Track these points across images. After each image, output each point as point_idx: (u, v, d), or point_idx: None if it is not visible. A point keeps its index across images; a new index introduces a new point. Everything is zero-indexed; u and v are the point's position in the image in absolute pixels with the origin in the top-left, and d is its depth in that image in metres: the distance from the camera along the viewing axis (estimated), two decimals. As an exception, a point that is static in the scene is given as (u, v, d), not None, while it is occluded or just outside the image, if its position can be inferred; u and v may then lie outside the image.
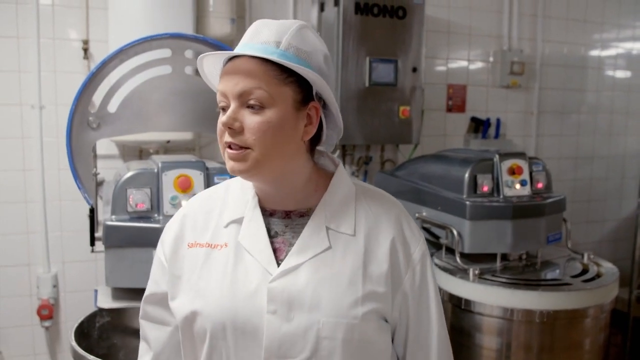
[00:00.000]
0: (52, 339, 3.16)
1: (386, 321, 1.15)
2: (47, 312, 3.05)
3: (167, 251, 1.22)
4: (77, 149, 2.30)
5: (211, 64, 1.15)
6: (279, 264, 1.11)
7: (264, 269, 1.11)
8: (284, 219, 1.17)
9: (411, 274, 1.15)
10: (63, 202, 3.11)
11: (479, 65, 3.93)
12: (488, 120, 3.84)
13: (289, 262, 1.11)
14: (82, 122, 2.29)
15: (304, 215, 1.16)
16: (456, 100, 3.81)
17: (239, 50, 1.09)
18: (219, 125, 1.09)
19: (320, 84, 1.10)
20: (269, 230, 1.15)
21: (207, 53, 1.12)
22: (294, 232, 1.15)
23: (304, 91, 1.09)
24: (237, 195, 1.21)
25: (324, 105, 1.15)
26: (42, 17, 2.98)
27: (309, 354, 1.08)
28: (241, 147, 1.06)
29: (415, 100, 3.30)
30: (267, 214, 1.18)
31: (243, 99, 1.06)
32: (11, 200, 3.05)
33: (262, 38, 1.08)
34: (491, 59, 3.94)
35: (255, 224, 1.15)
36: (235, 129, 1.06)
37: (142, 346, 1.30)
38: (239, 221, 1.17)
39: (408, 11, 3.22)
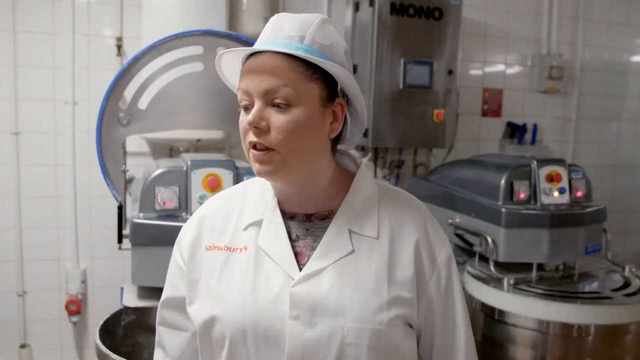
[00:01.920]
0: (79, 333, 3.19)
1: (411, 327, 1.12)
2: (75, 307, 3.08)
3: (185, 254, 1.18)
4: (106, 145, 2.31)
5: (229, 62, 1.11)
6: (300, 269, 1.08)
7: (286, 274, 1.07)
8: (304, 222, 1.13)
9: (436, 278, 1.12)
10: (93, 198, 3.13)
11: (516, 69, 3.85)
12: (524, 125, 3.75)
13: (311, 266, 1.07)
14: (112, 118, 2.30)
15: (326, 218, 1.13)
16: (492, 105, 3.73)
17: (260, 46, 1.04)
18: (242, 125, 1.05)
19: (346, 79, 1.06)
20: (289, 234, 1.12)
21: (226, 50, 1.07)
22: (316, 236, 1.11)
23: (329, 87, 1.06)
24: (257, 197, 1.17)
25: (348, 101, 1.12)
26: (77, 13, 3.02)
27: None
28: (267, 148, 1.02)
29: (450, 104, 3.23)
30: (287, 216, 1.14)
31: (268, 98, 1.02)
32: (42, 195, 3.08)
33: (284, 33, 1.04)
34: (529, 62, 3.85)
35: (275, 226, 1.12)
36: (261, 129, 1.02)
37: (158, 353, 1.26)
38: (258, 224, 1.13)
39: (444, 12, 3.15)
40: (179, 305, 1.20)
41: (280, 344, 1.05)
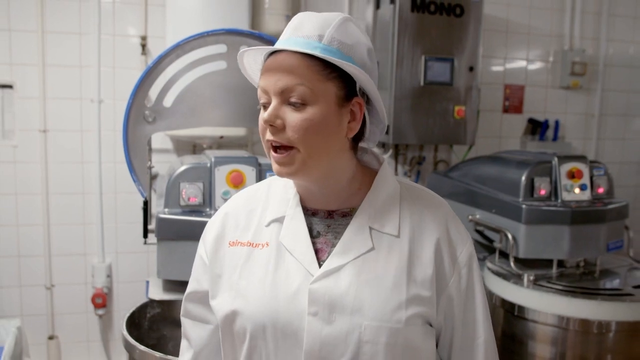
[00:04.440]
0: (104, 326, 3.27)
1: (431, 325, 1.12)
2: (101, 301, 3.15)
3: (209, 249, 1.21)
4: (132, 142, 2.35)
5: (251, 59, 1.12)
6: (320, 265, 1.09)
7: (306, 270, 1.08)
8: (326, 219, 1.14)
9: (457, 277, 1.11)
10: (118, 195, 3.20)
11: (538, 65, 3.83)
12: (546, 122, 3.73)
13: (331, 263, 1.08)
14: (138, 116, 2.34)
15: (347, 215, 1.13)
16: (513, 101, 3.72)
17: (280, 44, 1.06)
18: (260, 122, 1.07)
19: (363, 79, 1.06)
20: (310, 230, 1.13)
21: (247, 48, 1.09)
22: (337, 233, 1.12)
23: (347, 87, 1.06)
24: (280, 194, 1.19)
25: (367, 101, 1.12)
26: (103, 14, 3.08)
27: (350, 358, 1.05)
28: (286, 148, 1.04)
29: (471, 100, 3.23)
30: (309, 213, 1.15)
31: (284, 96, 1.03)
32: (69, 191, 3.16)
33: (304, 32, 1.05)
34: (551, 59, 3.83)
35: (297, 223, 1.13)
36: (276, 127, 1.03)
37: (184, 344, 1.30)
38: (280, 220, 1.15)
39: (466, 9, 3.16)
40: (202, 298, 1.22)
41: (299, 339, 1.06)
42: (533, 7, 3.70)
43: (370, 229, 1.10)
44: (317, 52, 1.02)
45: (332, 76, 1.04)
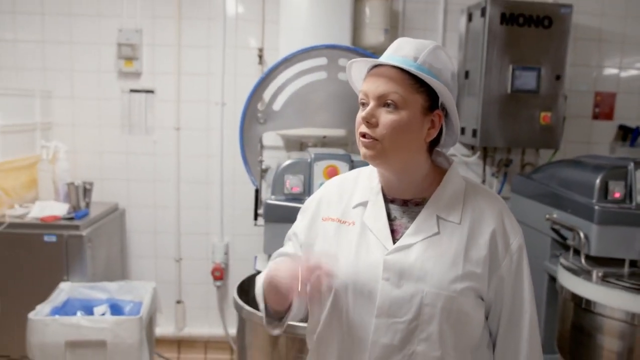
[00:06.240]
0: (221, 296, 3.76)
1: (482, 299, 1.30)
2: (219, 274, 3.64)
3: (305, 223, 1.46)
4: (247, 140, 2.78)
5: (357, 69, 1.35)
6: (394, 242, 1.30)
7: (383, 245, 1.30)
8: (401, 206, 1.35)
9: (509, 260, 1.30)
10: (236, 185, 3.65)
11: (631, 72, 3.84)
12: (638, 128, 3.73)
13: (403, 241, 1.29)
14: (252, 117, 2.76)
15: (419, 204, 1.34)
16: (603, 108, 3.77)
17: (383, 59, 1.29)
18: (358, 118, 1.29)
19: (446, 96, 1.28)
20: (388, 214, 1.34)
21: (357, 59, 1.32)
22: (410, 218, 1.33)
23: (431, 100, 1.28)
24: (365, 183, 1.41)
25: (446, 115, 1.33)
26: (227, 29, 3.55)
27: (412, 317, 1.26)
28: (373, 139, 1.26)
29: (558, 107, 3.37)
30: (388, 200, 1.36)
31: (381, 100, 1.25)
32: (196, 181, 3.67)
33: (403, 52, 1.27)
34: (646, 66, 3.83)
35: (378, 208, 1.35)
36: (371, 123, 1.25)
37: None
38: (364, 204, 1.37)
39: (554, 20, 3.29)
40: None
41: (373, 298, 1.28)
42: (629, 16, 3.73)
43: (438, 217, 1.30)
44: (411, 69, 1.24)
45: (420, 90, 1.26)
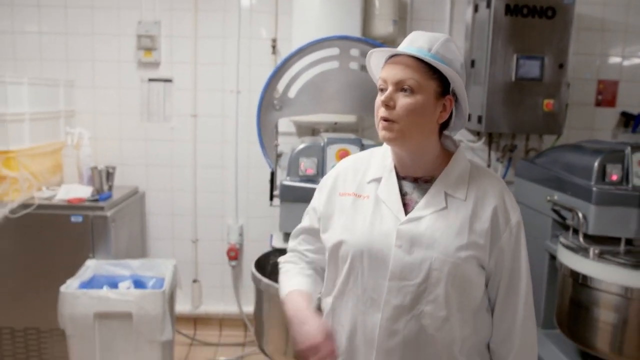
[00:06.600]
0: (236, 275, 3.91)
1: (483, 268, 1.43)
2: (234, 254, 3.80)
3: (324, 198, 1.58)
4: (264, 126, 2.90)
5: (376, 59, 1.47)
6: (406, 214, 1.43)
7: (395, 217, 1.42)
8: (412, 183, 1.47)
9: (508, 233, 1.42)
10: (250, 170, 3.79)
11: (634, 61, 3.92)
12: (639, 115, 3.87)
13: (414, 213, 1.42)
14: (268, 104, 2.88)
15: (428, 182, 1.46)
16: (606, 95, 3.87)
17: (400, 49, 1.41)
18: (377, 102, 1.40)
19: (457, 82, 1.40)
20: (400, 190, 1.46)
21: (377, 49, 1.44)
22: (420, 193, 1.45)
23: (443, 86, 1.39)
24: (378, 161, 1.53)
25: (456, 100, 1.44)
26: (242, 21, 3.67)
27: (421, 280, 1.39)
28: (391, 121, 1.37)
29: (560, 95, 3.49)
30: (400, 177, 1.48)
31: (399, 85, 1.36)
32: (212, 165, 3.81)
33: (418, 44, 1.39)
34: (648, 54, 3.91)
35: (391, 183, 1.47)
36: (390, 106, 1.36)
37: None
38: (378, 180, 1.49)
39: (557, 11, 3.41)
40: (314, 233, 1.63)
41: (386, 263, 1.40)
42: (631, 5, 3.82)
43: (445, 193, 1.42)
44: (426, 58, 1.36)
45: (434, 77, 1.38)
